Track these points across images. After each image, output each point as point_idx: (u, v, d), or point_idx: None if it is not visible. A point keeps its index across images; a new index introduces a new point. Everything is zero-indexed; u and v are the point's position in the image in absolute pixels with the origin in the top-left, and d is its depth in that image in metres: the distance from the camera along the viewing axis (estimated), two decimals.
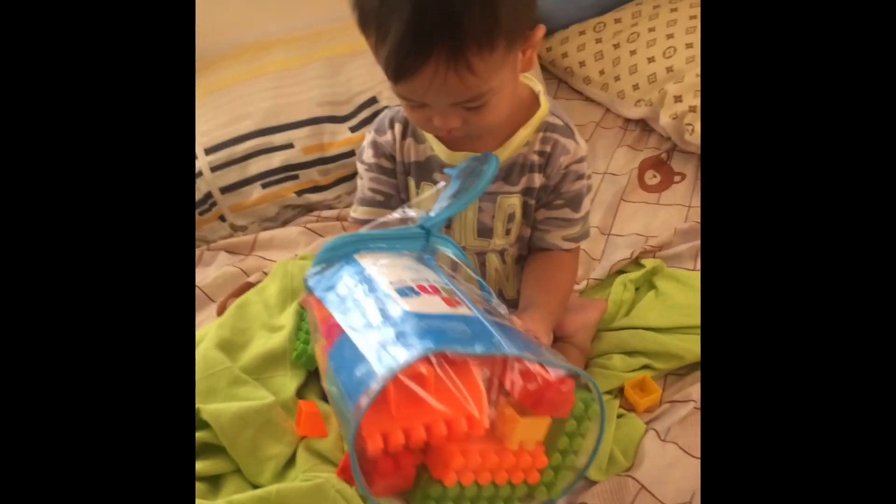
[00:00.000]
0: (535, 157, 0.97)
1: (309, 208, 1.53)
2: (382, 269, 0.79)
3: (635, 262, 1.31)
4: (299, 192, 1.52)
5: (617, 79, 1.69)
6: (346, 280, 0.78)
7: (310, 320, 0.83)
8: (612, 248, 1.39)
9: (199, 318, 1.27)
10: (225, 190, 1.49)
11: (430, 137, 0.98)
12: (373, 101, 1.56)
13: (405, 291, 0.75)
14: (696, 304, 1.17)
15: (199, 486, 0.97)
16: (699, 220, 1.40)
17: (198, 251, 1.43)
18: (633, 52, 1.69)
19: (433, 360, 0.66)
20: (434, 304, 0.74)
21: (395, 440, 0.67)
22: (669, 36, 1.68)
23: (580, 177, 0.99)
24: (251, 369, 1.10)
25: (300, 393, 1.09)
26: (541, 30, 0.88)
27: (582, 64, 1.76)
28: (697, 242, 1.34)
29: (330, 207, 1.53)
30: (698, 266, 1.31)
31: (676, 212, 1.45)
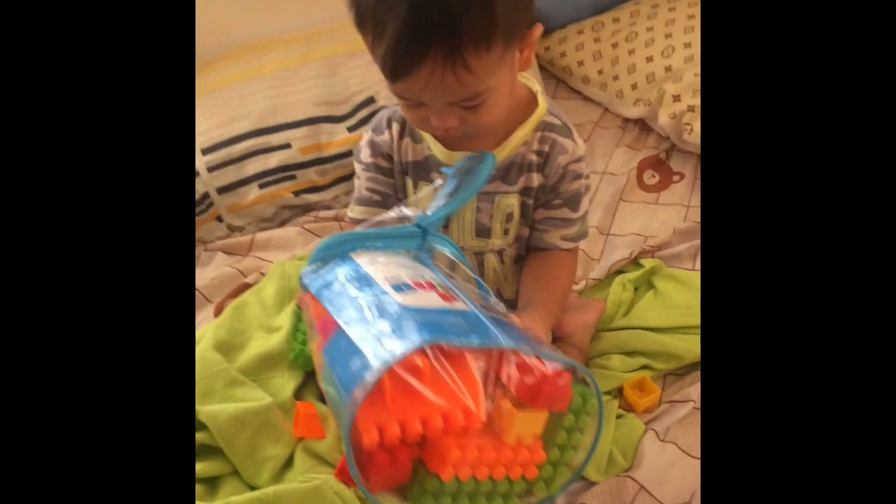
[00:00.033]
0: (534, 157, 0.97)
1: (306, 208, 1.53)
2: (378, 266, 0.79)
3: (634, 262, 1.31)
4: (297, 193, 1.51)
5: (615, 78, 1.69)
6: (341, 277, 0.78)
7: (306, 319, 0.83)
8: (611, 248, 1.38)
9: (196, 319, 1.26)
10: (222, 190, 1.49)
11: (427, 137, 0.98)
12: (370, 100, 1.56)
13: (401, 287, 0.74)
14: (695, 303, 1.16)
15: (196, 487, 0.97)
16: (698, 220, 1.39)
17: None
18: (631, 52, 1.69)
19: (429, 352, 0.66)
20: (430, 299, 0.74)
21: (390, 433, 0.67)
22: (668, 35, 1.68)
23: (578, 176, 0.98)
24: (248, 370, 1.09)
25: (298, 394, 1.09)
26: (538, 29, 0.87)
27: (580, 63, 1.76)
28: (696, 242, 1.34)
29: (328, 208, 1.52)
30: (697, 266, 1.30)
31: (675, 211, 1.45)
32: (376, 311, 0.71)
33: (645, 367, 1.13)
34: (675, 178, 1.53)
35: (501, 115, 0.90)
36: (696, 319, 1.13)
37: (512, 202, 0.99)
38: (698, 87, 1.55)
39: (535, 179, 0.98)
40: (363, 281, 0.76)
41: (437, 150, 0.97)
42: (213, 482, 1.00)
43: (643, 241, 1.37)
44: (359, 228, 0.87)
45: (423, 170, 0.99)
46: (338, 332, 0.72)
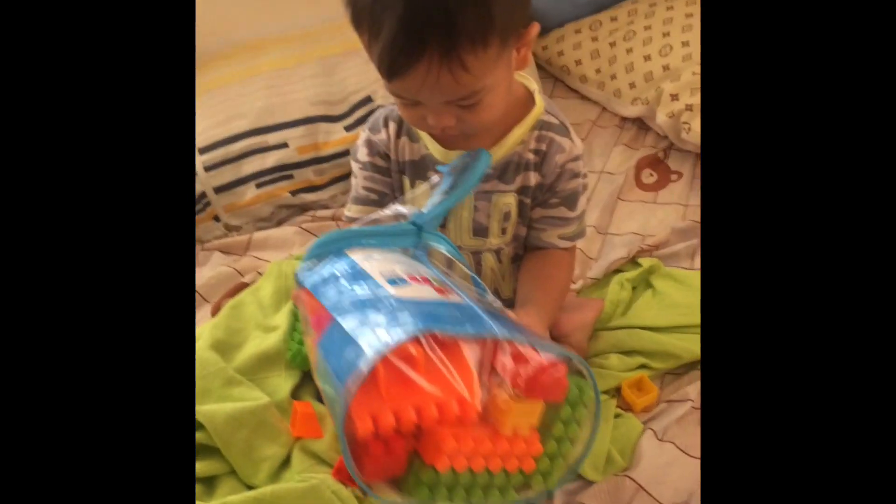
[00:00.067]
0: (531, 156, 0.97)
1: (304, 208, 1.53)
2: (373, 262, 0.79)
3: (632, 262, 1.31)
4: (294, 192, 1.51)
5: (613, 77, 1.69)
6: (336, 272, 0.78)
7: (301, 316, 0.83)
8: (609, 247, 1.38)
9: None
10: (219, 190, 1.48)
11: (424, 136, 0.97)
12: (367, 100, 1.56)
13: (395, 280, 0.74)
14: (693, 303, 1.16)
15: None
16: (696, 219, 1.39)
17: None
18: (629, 51, 1.69)
19: (423, 340, 0.66)
20: (425, 292, 0.74)
21: (385, 422, 0.66)
22: (665, 34, 1.67)
23: (576, 175, 0.98)
24: (246, 370, 1.09)
25: (295, 394, 1.09)
26: (535, 27, 0.87)
27: (578, 62, 1.75)
28: (695, 241, 1.34)
29: (325, 207, 1.52)
30: (696, 265, 1.30)
31: (673, 210, 1.45)
32: (370, 303, 0.71)
33: (643, 366, 1.12)
34: (673, 177, 1.53)
35: (498, 114, 0.89)
36: (694, 319, 1.13)
37: (509, 201, 0.99)
38: (696, 85, 1.55)
39: (533, 178, 0.97)
40: (358, 275, 0.76)
41: (433, 149, 0.97)
42: (210, 482, 1.00)
43: (641, 240, 1.37)
44: (354, 226, 0.87)
45: (421, 169, 0.99)
46: (332, 324, 0.72)
